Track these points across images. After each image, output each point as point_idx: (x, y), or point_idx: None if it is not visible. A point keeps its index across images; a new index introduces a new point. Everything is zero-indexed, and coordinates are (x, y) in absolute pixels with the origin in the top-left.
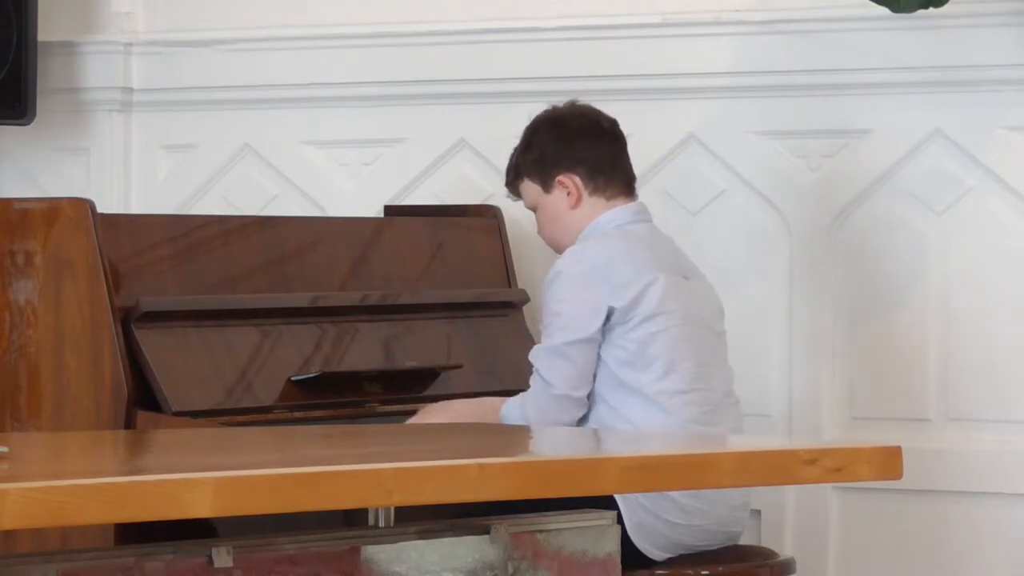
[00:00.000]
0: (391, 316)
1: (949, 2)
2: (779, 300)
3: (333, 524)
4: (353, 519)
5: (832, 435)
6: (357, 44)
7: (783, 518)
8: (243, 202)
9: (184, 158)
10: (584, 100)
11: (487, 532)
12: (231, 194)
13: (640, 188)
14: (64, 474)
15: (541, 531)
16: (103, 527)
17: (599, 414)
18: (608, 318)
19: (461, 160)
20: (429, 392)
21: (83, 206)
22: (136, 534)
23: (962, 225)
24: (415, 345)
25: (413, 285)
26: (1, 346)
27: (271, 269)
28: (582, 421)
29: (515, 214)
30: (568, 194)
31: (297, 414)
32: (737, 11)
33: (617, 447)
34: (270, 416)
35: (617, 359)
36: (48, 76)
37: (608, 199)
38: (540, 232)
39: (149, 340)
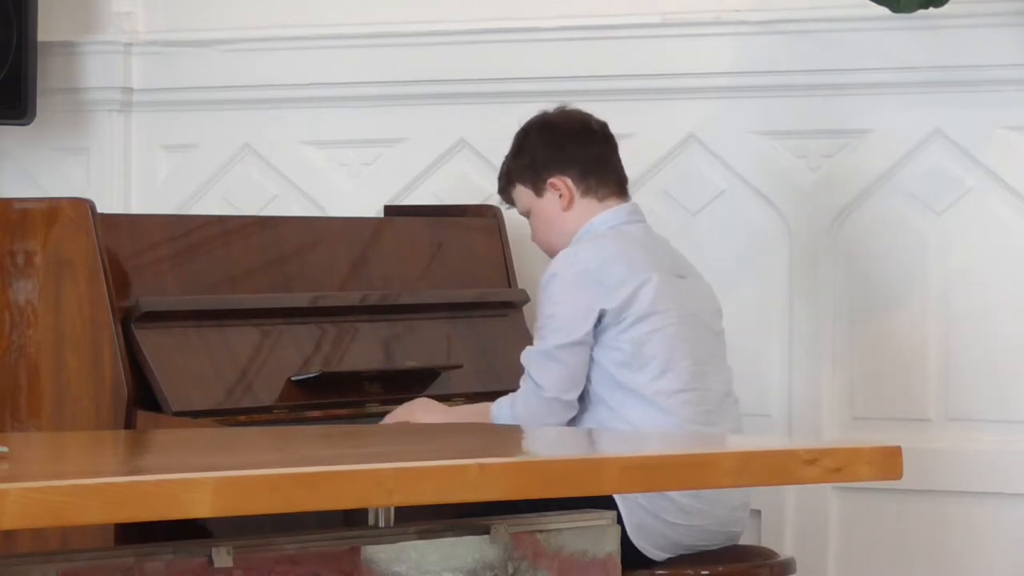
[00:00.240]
0: (391, 316)
1: (949, 2)
2: (779, 300)
3: (333, 524)
4: (353, 519)
5: (832, 435)
6: (357, 44)
7: (783, 518)
8: (243, 202)
9: (184, 158)
10: (584, 100)
11: (487, 532)
12: (231, 194)
13: (640, 188)
14: (64, 474)
15: (541, 531)
16: (103, 527)
17: (599, 416)
18: (599, 320)
19: (461, 160)
20: (429, 392)
21: (83, 206)
22: (136, 534)
23: (962, 225)
24: (415, 345)
25: (413, 285)
26: (1, 346)
27: (271, 269)
28: (578, 423)
29: (515, 214)
30: (560, 196)
31: (297, 414)
32: (737, 11)
33: (617, 447)
34: (270, 416)
35: (613, 360)
36: (48, 76)
37: (600, 200)
38: (534, 237)
39: (149, 340)
